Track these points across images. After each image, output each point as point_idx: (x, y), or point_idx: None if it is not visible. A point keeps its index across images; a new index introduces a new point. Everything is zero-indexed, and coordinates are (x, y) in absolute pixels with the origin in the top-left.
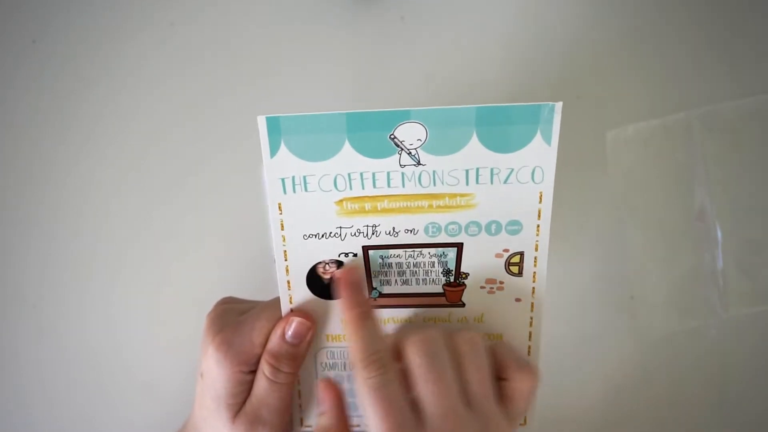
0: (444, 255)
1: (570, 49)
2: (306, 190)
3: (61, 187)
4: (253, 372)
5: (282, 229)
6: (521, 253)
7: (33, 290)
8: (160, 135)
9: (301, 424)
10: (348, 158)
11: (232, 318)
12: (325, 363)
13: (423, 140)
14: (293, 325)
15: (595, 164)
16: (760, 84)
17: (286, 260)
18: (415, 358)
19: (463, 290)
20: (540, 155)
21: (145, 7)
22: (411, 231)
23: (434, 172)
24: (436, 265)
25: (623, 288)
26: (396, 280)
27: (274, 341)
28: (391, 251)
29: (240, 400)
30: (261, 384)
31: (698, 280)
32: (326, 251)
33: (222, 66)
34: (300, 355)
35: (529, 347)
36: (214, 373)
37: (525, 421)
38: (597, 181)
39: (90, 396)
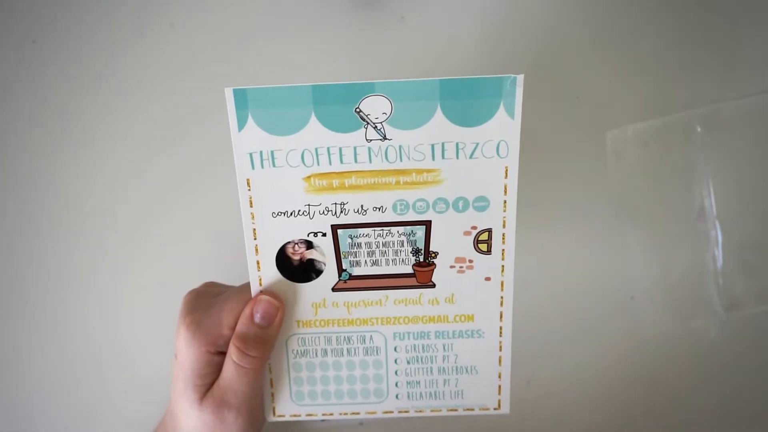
0: (413, 234)
1: (570, 50)
2: (274, 165)
3: (62, 187)
4: (222, 354)
5: (251, 206)
6: (489, 230)
7: (34, 290)
8: (162, 135)
9: (274, 413)
10: (315, 132)
11: (205, 300)
12: (297, 350)
13: (388, 114)
14: (261, 306)
15: (596, 164)
16: (760, 84)
17: (255, 239)
18: None
19: (433, 270)
20: (504, 129)
21: (146, 8)
22: (379, 209)
23: (400, 147)
24: (405, 244)
25: (623, 288)
26: (366, 261)
27: (242, 323)
28: (360, 230)
29: (208, 381)
30: (228, 368)
31: (698, 280)
32: (295, 230)
33: (222, 67)
34: (269, 339)
35: (501, 328)
36: (183, 353)
37: (499, 405)
38: (597, 181)
39: (92, 395)
